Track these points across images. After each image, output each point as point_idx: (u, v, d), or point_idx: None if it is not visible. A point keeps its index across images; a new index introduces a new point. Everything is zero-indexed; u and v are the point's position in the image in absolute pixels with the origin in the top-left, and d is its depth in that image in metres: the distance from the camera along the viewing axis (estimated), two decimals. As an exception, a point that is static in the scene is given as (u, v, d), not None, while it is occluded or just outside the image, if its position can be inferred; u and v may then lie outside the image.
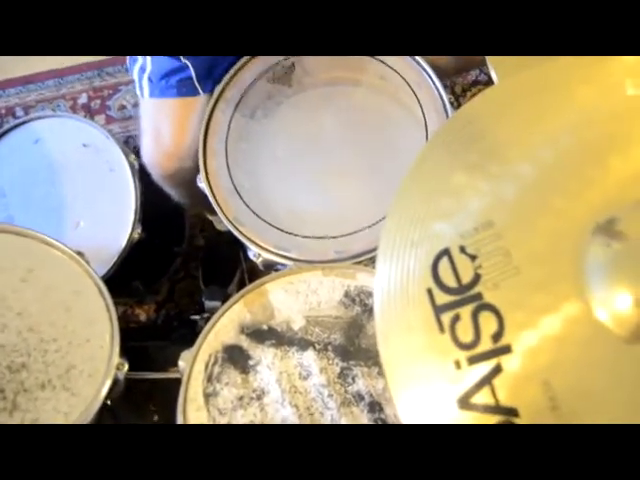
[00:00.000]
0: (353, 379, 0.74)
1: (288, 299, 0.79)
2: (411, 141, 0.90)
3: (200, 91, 0.98)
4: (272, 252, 0.86)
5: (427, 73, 0.91)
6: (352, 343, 0.76)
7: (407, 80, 0.92)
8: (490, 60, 0.81)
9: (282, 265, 0.89)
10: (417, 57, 0.93)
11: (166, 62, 0.97)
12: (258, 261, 0.89)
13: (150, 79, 0.98)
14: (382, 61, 0.95)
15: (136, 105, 1.07)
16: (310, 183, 0.92)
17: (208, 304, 1.22)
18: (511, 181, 0.49)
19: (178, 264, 1.49)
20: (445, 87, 0.91)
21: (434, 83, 0.91)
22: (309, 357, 0.75)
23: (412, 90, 0.92)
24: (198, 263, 1.47)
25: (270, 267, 0.92)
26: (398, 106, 0.94)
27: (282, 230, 0.88)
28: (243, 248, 0.96)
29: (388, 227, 0.50)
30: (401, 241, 0.49)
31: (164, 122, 0.99)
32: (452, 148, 0.54)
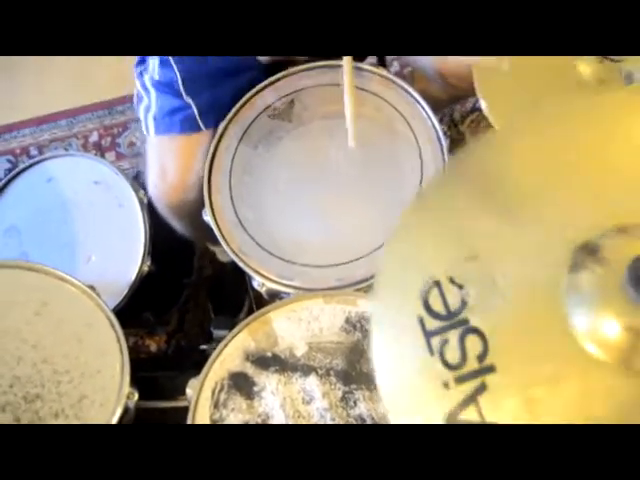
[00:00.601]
0: (355, 403, 0.76)
1: (291, 326, 0.82)
2: (407, 169, 0.93)
3: (202, 127, 1.02)
4: (275, 281, 0.90)
5: (420, 104, 0.96)
6: (353, 368, 0.78)
7: (401, 111, 0.96)
8: (480, 90, 0.85)
9: (286, 293, 0.92)
10: (410, 89, 0.97)
11: (169, 101, 1.02)
12: (262, 290, 0.92)
13: (155, 117, 1.03)
14: (376, 94, 0.99)
15: (145, 142, 1.12)
16: (311, 213, 0.95)
17: (217, 333, 1.24)
18: (495, 216, 0.52)
19: (187, 295, 1.53)
20: (442, 116, 0.95)
21: (427, 114, 0.94)
22: (312, 382, 0.77)
23: (406, 121, 0.96)
24: (207, 293, 1.51)
25: (275, 296, 0.95)
26: (394, 136, 0.98)
27: (285, 260, 0.91)
28: (249, 277, 0.99)
29: (386, 259, 0.54)
30: (396, 273, 0.52)
31: (169, 158, 1.03)
32: (447, 186, 0.58)
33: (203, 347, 1.24)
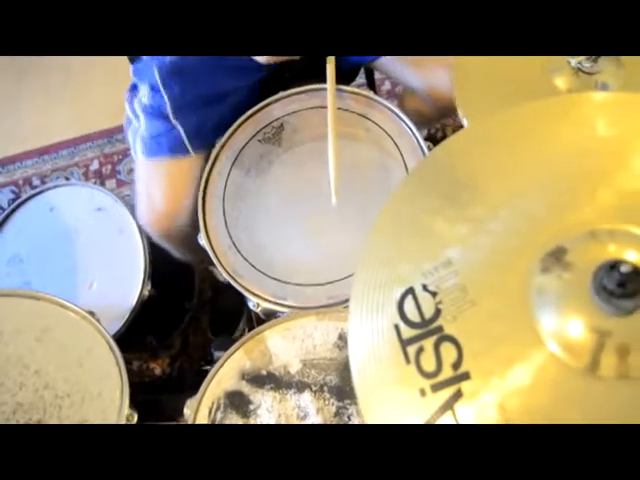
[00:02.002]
0: (349, 417, 0.78)
1: (285, 344, 0.84)
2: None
3: (190, 150, 1.04)
4: (270, 301, 0.92)
5: (406, 124, 0.98)
6: (347, 383, 0.80)
7: (387, 131, 0.99)
8: (460, 105, 0.87)
9: (281, 312, 0.94)
10: (395, 109, 1.00)
11: (158, 124, 1.04)
12: (258, 310, 0.94)
13: (143, 140, 1.05)
14: (364, 115, 1.02)
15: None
16: (303, 234, 0.97)
17: (217, 354, 1.26)
18: (466, 222, 0.55)
19: (189, 318, 1.55)
20: (435, 131, 0.97)
21: (412, 131, 0.97)
22: (306, 398, 0.79)
23: (392, 140, 0.98)
24: (208, 316, 1.53)
25: (271, 315, 0.97)
26: (383, 156, 1.00)
27: (278, 280, 0.94)
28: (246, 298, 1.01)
29: (360, 269, 0.56)
30: (371, 282, 0.54)
31: (157, 182, 1.05)
32: (417, 193, 0.60)
33: (204, 368, 1.26)
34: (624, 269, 0.43)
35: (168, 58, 1.05)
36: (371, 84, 1.36)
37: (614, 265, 0.44)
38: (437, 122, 1.52)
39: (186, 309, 1.55)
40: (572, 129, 0.63)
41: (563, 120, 0.64)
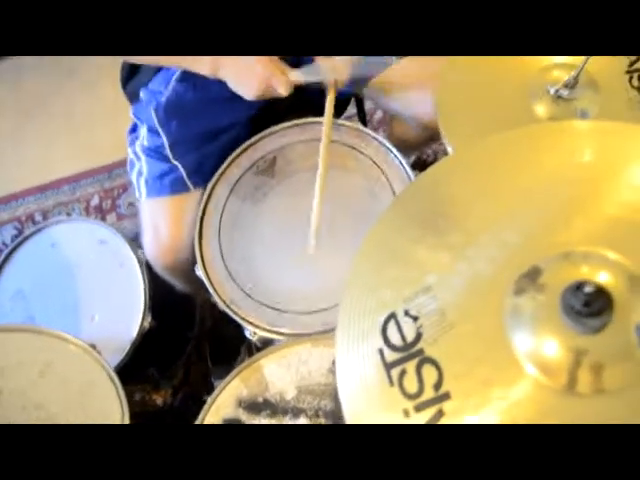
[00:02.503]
0: (344, 441, 0.79)
1: (281, 371, 0.86)
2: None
3: (191, 187, 1.08)
4: (266, 329, 0.94)
5: (394, 154, 1.02)
6: (341, 407, 0.81)
7: (376, 162, 1.03)
8: (443, 131, 0.90)
9: (278, 340, 0.96)
10: (383, 140, 1.03)
11: (159, 165, 1.08)
12: (254, 339, 0.96)
13: (146, 181, 1.09)
14: (353, 147, 1.05)
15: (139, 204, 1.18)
16: (297, 262, 1.00)
17: (217, 383, 1.28)
18: (445, 249, 0.57)
19: (191, 348, 1.57)
20: (426, 157, 1.00)
21: (401, 163, 1.01)
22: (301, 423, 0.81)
23: (382, 171, 1.02)
24: (209, 345, 1.55)
25: (268, 343, 1.00)
26: (372, 185, 1.03)
27: (274, 308, 0.96)
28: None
29: (345, 297, 0.58)
30: (357, 309, 0.57)
31: (161, 219, 1.09)
32: (399, 221, 0.63)
33: (205, 398, 1.27)
34: (588, 289, 0.45)
35: (164, 98, 1.10)
36: (361, 114, 1.40)
37: (579, 286, 0.46)
38: (426, 147, 1.55)
39: (187, 339, 1.57)
40: (552, 156, 0.66)
41: (543, 147, 0.67)
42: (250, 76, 0.96)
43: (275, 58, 0.98)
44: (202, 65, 0.98)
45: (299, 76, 1.01)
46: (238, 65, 0.97)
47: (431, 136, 1.20)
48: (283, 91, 0.97)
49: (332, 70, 1.02)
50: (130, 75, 1.16)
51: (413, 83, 1.09)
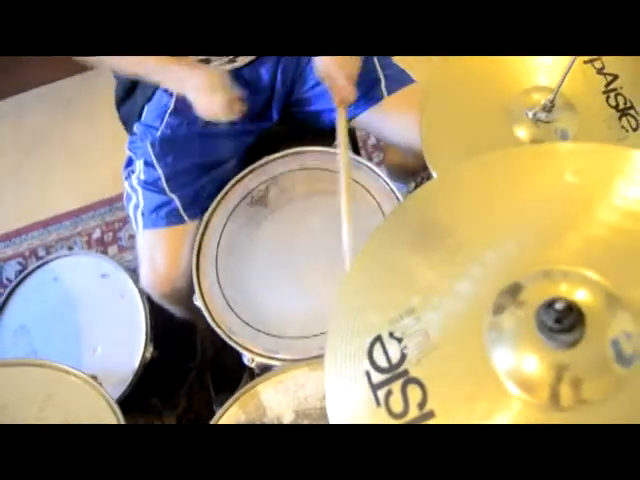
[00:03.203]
0: (341, 464, 0.80)
1: (278, 396, 0.88)
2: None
3: (186, 219, 1.11)
4: (263, 356, 0.96)
5: (384, 180, 1.05)
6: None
7: (367, 188, 1.05)
8: (427, 156, 0.92)
9: (276, 365, 0.97)
10: (374, 168, 1.06)
11: (155, 197, 1.11)
12: (252, 365, 0.97)
13: (143, 214, 1.12)
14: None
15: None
16: (293, 288, 1.02)
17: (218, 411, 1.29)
18: (428, 270, 0.59)
19: (193, 377, 1.58)
20: (421, 180, 1.03)
21: (391, 189, 1.04)
22: (299, 447, 0.82)
23: (373, 197, 1.05)
24: (211, 374, 1.56)
25: (267, 369, 1.01)
26: (363, 210, 1.06)
27: (271, 335, 0.98)
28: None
29: (333, 321, 0.60)
30: (344, 332, 0.59)
31: (157, 251, 1.11)
32: (384, 245, 0.65)
33: (207, 426, 1.28)
34: (559, 306, 0.47)
35: (159, 133, 1.13)
36: (353, 141, 1.43)
37: (551, 303, 0.48)
38: (423, 173, 1.58)
39: (190, 368, 1.59)
40: (533, 178, 0.68)
41: (524, 169, 0.69)
42: (201, 98, 1.01)
43: (225, 83, 1.01)
44: (170, 79, 1.03)
45: None
46: (197, 84, 1.01)
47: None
48: (228, 117, 1.01)
49: (336, 91, 1.05)
50: (124, 98, 1.19)
51: (401, 112, 1.12)
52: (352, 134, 1.42)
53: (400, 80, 1.16)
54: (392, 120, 1.14)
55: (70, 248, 1.87)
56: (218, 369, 1.50)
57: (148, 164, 1.12)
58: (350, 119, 1.20)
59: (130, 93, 1.17)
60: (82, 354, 1.25)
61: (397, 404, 0.53)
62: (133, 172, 1.15)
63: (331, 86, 1.07)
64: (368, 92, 1.14)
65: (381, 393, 0.54)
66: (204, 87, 1.01)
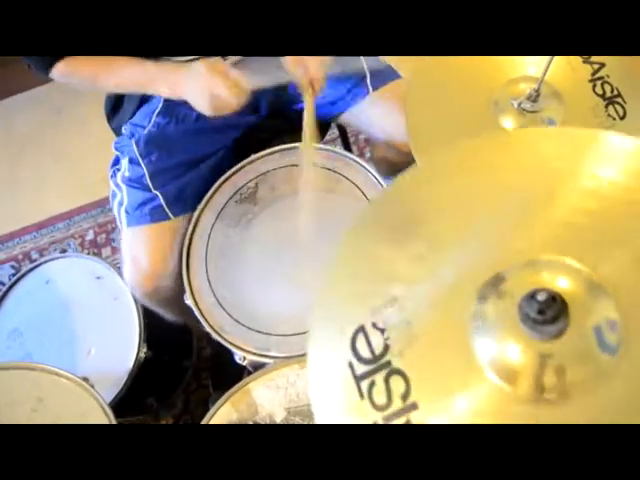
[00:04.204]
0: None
1: (269, 394, 0.87)
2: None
3: (171, 215, 1.10)
4: (254, 353, 0.96)
5: (372, 174, 1.04)
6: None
7: (356, 183, 1.05)
8: (413, 148, 0.92)
9: (268, 363, 0.97)
10: (362, 162, 1.06)
11: (139, 194, 1.10)
12: (244, 363, 0.97)
13: (127, 211, 1.11)
14: (333, 170, 1.08)
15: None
16: (284, 285, 1.02)
17: (213, 410, 1.29)
18: (410, 259, 0.59)
19: (190, 377, 1.58)
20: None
21: (379, 182, 1.03)
22: (290, 444, 0.82)
23: (362, 191, 1.04)
24: (209, 373, 1.56)
25: (260, 367, 1.01)
26: (354, 206, 1.06)
27: (262, 332, 0.98)
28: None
29: (317, 309, 0.60)
30: (327, 322, 0.58)
31: (140, 248, 1.10)
32: (365, 234, 0.65)
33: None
34: (541, 297, 0.47)
35: (145, 131, 1.12)
36: (344, 136, 1.43)
37: (533, 294, 0.48)
38: (406, 168, 1.57)
39: (185, 367, 1.58)
40: (512, 163, 0.67)
41: (503, 155, 0.68)
42: (200, 92, 0.97)
43: (222, 69, 0.97)
44: (161, 86, 1.00)
45: (260, 81, 0.99)
46: (190, 82, 0.98)
47: (410, 158, 1.22)
48: (234, 102, 0.96)
49: (303, 70, 1.00)
50: (114, 110, 1.19)
51: (386, 108, 1.12)
52: (343, 130, 1.42)
53: (385, 75, 1.16)
54: (376, 116, 1.14)
55: (63, 250, 1.87)
56: (216, 368, 1.50)
57: (133, 161, 1.12)
58: (336, 115, 1.20)
59: (117, 109, 1.17)
60: (76, 356, 1.25)
61: (380, 396, 0.52)
62: (119, 170, 1.15)
63: (294, 64, 1.01)
64: (353, 88, 1.14)
65: (364, 385, 0.53)
66: (199, 87, 0.98)
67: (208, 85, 0.96)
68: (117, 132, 1.22)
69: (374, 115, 1.14)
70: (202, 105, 0.98)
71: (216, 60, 1.00)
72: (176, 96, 1.01)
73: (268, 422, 0.85)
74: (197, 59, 1.04)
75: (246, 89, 0.97)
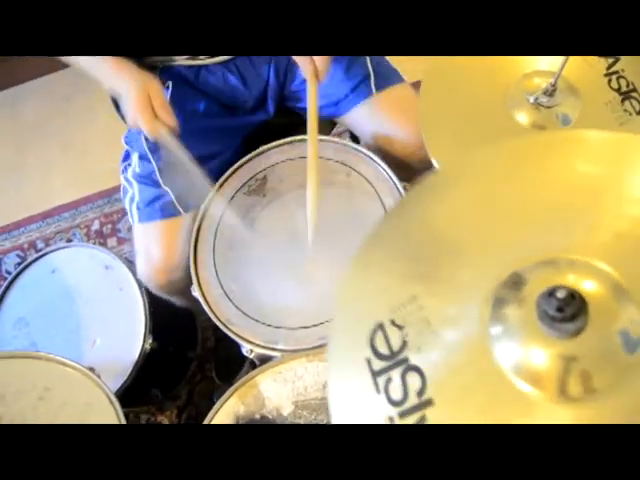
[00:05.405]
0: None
1: (277, 387, 0.87)
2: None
3: (181, 211, 1.10)
4: (262, 346, 0.95)
5: (382, 168, 1.03)
6: (337, 419, 0.82)
7: (366, 177, 1.04)
8: (428, 145, 0.91)
9: (275, 356, 0.97)
10: (372, 156, 1.05)
11: (150, 190, 1.11)
12: (252, 356, 0.97)
13: (138, 207, 1.11)
14: (343, 162, 1.07)
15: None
16: (292, 278, 1.01)
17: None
18: (428, 259, 0.58)
19: (194, 368, 1.58)
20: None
21: (390, 176, 1.02)
22: (299, 438, 0.82)
23: (372, 185, 1.03)
24: (213, 364, 1.56)
25: (266, 360, 1.00)
26: (363, 200, 1.05)
27: (269, 325, 0.97)
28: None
29: (337, 308, 0.59)
30: (347, 319, 0.58)
31: (153, 243, 1.10)
32: (388, 236, 0.64)
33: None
34: (560, 294, 0.46)
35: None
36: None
37: (552, 291, 0.47)
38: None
39: (190, 359, 1.58)
40: (541, 167, 0.66)
41: (531, 158, 0.67)
42: (128, 110, 0.99)
43: (148, 104, 0.97)
44: (104, 72, 1.02)
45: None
46: (123, 98, 0.99)
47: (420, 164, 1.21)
48: (147, 133, 0.98)
49: (309, 59, 1.00)
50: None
51: (389, 118, 1.12)
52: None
53: (389, 78, 1.15)
54: (379, 125, 1.13)
55: (69, 240, 1.87)
56: (221, 360, 1.49)
57: (142, 157, 1.12)
58: (339, 115, 1.19)
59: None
60: (81, 346, 1.25)
61: (396, 391, 0.52)
62: (129, 165, 1.15)
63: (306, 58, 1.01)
64: (357, 87, 1.13)
65: (381, 380, 0.53)
66: (131, 96, 0.98)
67: (133, 116, 0.98)
68: (125, 119, 1.21)
69: (376, 124, 1.14)
70: (127, 117, 1.00)
71: (150, 88, 0.99)
72: (113, 89, 1.03)
73: (275, 415, 0.85)
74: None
75: (169, 127, 0.99)
